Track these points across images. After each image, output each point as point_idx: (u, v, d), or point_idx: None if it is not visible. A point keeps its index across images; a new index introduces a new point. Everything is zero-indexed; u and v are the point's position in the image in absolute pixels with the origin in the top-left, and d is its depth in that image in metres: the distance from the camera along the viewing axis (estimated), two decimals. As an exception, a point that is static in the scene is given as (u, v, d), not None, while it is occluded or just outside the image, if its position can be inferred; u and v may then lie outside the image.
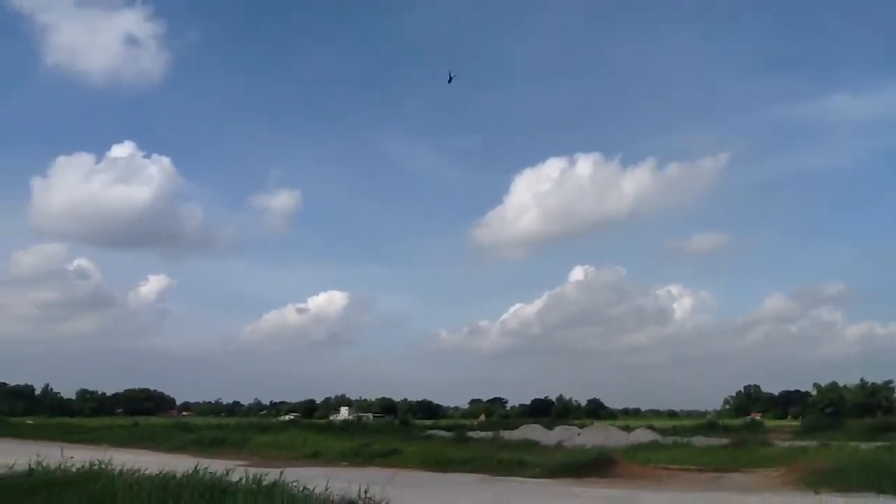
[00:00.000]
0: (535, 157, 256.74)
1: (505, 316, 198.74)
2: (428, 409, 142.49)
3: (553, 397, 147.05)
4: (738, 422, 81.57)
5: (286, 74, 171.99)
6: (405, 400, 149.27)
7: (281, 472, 12.14)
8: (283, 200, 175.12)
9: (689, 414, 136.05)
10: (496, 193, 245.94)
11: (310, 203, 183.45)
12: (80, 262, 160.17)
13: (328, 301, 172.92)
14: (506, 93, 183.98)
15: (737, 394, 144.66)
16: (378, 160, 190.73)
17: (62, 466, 13.27)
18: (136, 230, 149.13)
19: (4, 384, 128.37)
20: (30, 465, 13.38)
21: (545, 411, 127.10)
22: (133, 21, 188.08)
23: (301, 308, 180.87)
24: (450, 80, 50.25)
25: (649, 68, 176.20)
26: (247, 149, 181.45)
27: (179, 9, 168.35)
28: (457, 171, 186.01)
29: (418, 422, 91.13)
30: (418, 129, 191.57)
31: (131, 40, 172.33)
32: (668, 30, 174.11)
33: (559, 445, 37.20)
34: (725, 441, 37.04)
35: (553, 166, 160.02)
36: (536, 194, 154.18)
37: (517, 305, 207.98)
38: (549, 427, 50.87)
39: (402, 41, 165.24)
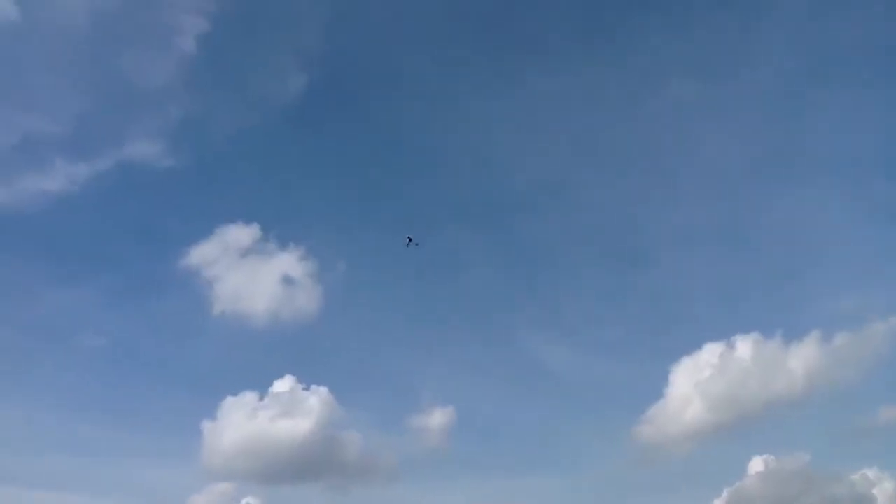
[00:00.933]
0: (690, 345, 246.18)
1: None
2: None
3: None
4: None
5: (430, 291, 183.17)
6: None
7: None
8: (437, 419, 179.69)
9: None
10: (655, 387, 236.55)
11: (463, 418, 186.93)
12: (248, 501, 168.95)
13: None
14: (652, 275, 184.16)
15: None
16: (526, 364, 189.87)
17: None
18: (299, 463, 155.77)
19: None
20: None
21: None
22: (288, 263, 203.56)
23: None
24: (408, 243, 50.20)
25: (793, 231, 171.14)
26: (398, 369, 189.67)
27: (328, 244, 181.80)
28: (610, 366, 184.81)
29: None
30: (564, 325, 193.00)
31: (288, 281, 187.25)
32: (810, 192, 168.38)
33: None
34: None
35: (711, 352, 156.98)
36: (698, 383, 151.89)
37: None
38: None
39: (544, 242, 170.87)
